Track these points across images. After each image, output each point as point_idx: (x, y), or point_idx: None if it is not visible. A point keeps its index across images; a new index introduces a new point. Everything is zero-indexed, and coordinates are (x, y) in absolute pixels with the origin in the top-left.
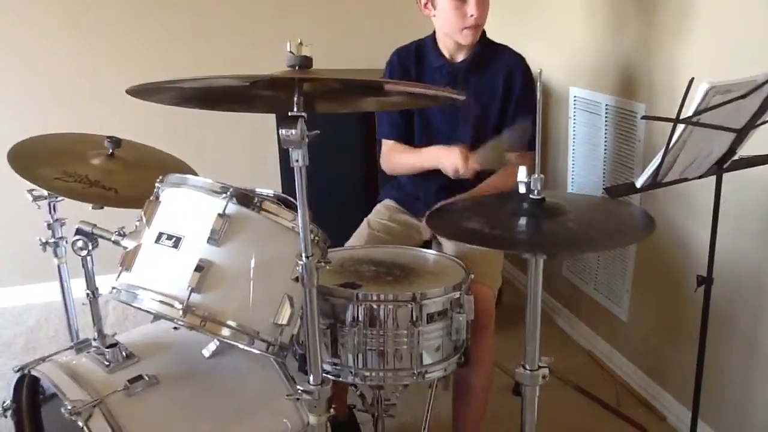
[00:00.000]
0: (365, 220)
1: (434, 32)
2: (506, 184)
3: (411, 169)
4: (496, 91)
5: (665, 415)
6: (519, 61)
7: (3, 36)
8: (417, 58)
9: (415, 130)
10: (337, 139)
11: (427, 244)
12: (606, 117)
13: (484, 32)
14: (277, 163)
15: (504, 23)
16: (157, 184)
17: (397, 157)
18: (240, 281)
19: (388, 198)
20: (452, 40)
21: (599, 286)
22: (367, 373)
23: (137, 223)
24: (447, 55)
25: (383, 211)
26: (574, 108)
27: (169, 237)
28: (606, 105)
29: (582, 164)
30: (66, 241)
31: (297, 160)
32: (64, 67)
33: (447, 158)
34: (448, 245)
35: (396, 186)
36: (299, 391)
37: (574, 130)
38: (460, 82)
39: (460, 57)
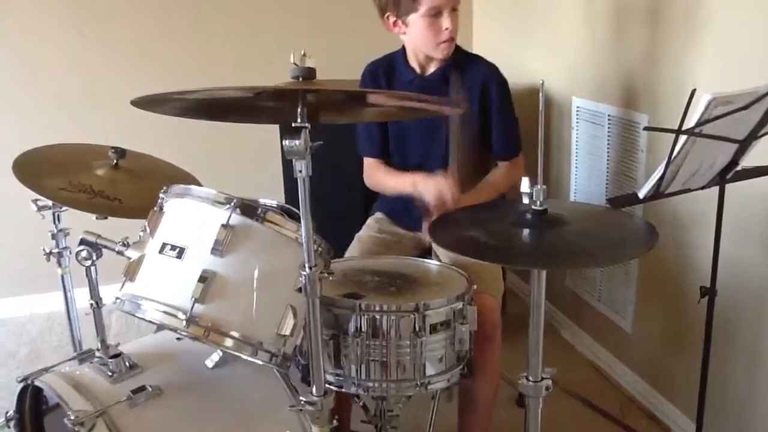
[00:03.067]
0: (356, 236)
1: (403, 47)
2: (494, 193)
3: (392, 191)
4: (473, 104)
5: (670, 427)
6: (492, 71)
7: (7, 46)
8: (388, 72)
9: (390, 145)
10: (341, 149)
11: (425, 254)
12: (609, 127)
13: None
14: (281, 174)
15: (506, 34)
16: (161, 195)
17: (378, 177)
18: (243, 292)
19: (379, 211)
20: (423, 55)
21: (603, 298)
22: (370, 384)
23: (141, 234)
24: (417, 70)
25: (374, 225)
26: (577, 118)
27: (173, 247)
28: (609, 115)
29: (585, 174)
30: (70, 251)
31: (300, 171)
32: (69, 78)
33: (428, 187)
34: (445, 255)
35: (386, 198)
36: (302, 402)
37: (576, 141)
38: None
39: (431, 69)
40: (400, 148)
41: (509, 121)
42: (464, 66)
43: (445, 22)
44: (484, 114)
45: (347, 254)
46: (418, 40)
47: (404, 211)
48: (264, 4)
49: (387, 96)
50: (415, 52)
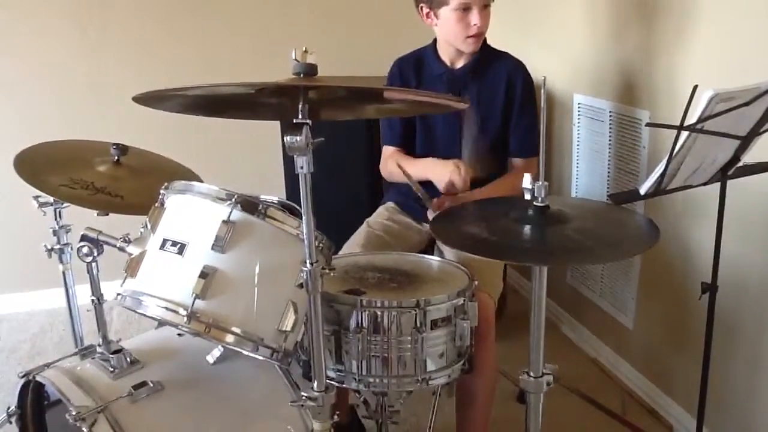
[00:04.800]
0: (366, 221)
1: (434, 40)
2: (511, 190)
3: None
4: (497, 98)
5: (670, 423)
6: (519, 67)
7: (10, 43)
8: (417, 67)
9: (416, 138)
10: (342, 146)
11: (428, 249)
12: (610, 124)
13: (484, 39)
14: (282, 170)
15: (507, 31)
16: (162, 191)
17: (393, 165)
18: (244, 288)
19: (390, 200)
20: (453, 48)
21: (604, 294)
22: (371, 380)
23: (142, 230)
24: (447, 62)
25: (384, 213)
26: (578, 115)
27: (174, 243)
28: (610, 112)
29: (586, 171)
30: (71, 248)
31: (302, 167)
32: (71, 74)
33: (440, 172)
34: (449, 250)
35: (399, 189)
36: (303, 398)
37: (578, 137)
38: (460, 89)
39: (459, 64)
40: (427, 137)
41: (530, 120)
42: (492, 61)
43: (474, 18)
44: (507, 110)
45: (354, 239)
46: (447, 33)
47: (415, 202)
48: (269, 2)
49: (396, 93)
50: (446, 45)
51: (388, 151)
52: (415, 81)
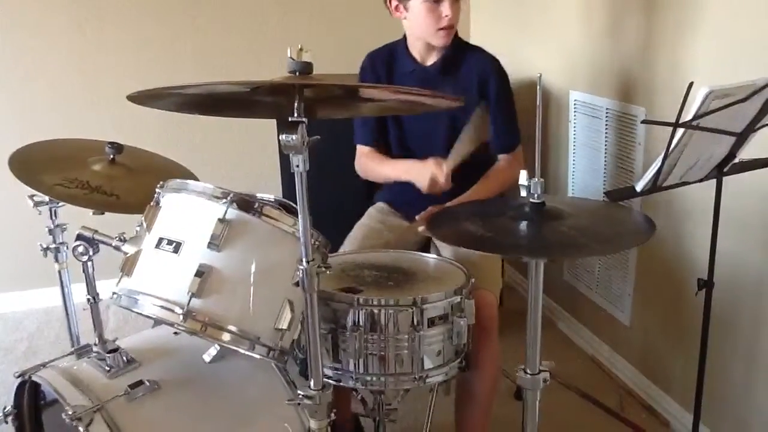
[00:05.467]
0: (357, 223)
1: (404, 36)
2: (499, 187)
3: (384, 179)
4: (471, 96)
5: (667, 419)
6: (492, 63)
7: (5, 41)
8: (388, 62)
9: (390, 136)
10: (338, 144)
11: (425, 247)
12: (606, 121)
13: (455, 32)
14: (278, 169)
15: (503, 27)
16: (157, 190)
17: (370, 165)
18: (240, 286)
19: (381, 201)
20: (423, 43)
21: (601, 290)
22: (368, 378)
23: (138, 229)
24: (418, 58)
25: (375, 214)
26: (574, 112)
27: (170, 242)
28: (606, 109)
29: (582, 168)
30: (67, 247)
31: (297, 166)
32: (66, 73)
33: (420, 173)
34: (446, 248)
35: (389, 189)
36: (300, 396)
37: (574, 134)
38: (431, 86)
39: (431, 60)
40: (399, 135)
41: (508, 114)
42: (463, 56)
43: (445, 9)
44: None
45: (346, 242)
46: (417, 26)
47: (406, 201)
48: (264, 0)
49: (386, 91)
50: (416, 40)
51: (362, 149)
52: (385, 77)
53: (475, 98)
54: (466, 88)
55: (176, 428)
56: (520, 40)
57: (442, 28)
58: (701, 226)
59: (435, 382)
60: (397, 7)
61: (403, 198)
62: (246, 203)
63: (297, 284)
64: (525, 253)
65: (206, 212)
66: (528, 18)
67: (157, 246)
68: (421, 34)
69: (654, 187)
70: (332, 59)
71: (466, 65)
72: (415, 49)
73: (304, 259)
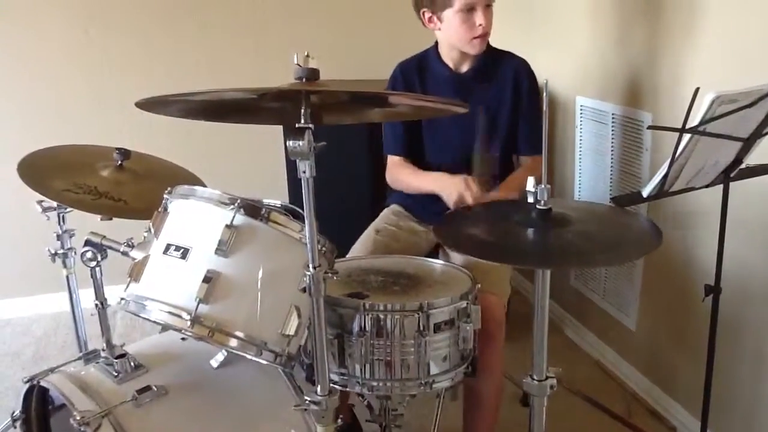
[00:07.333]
0: (371, 225)
1: (436, 44)
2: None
3: (414, 190)
4: (505, 98)
5: (674, 425)
6: (523, 66)
7: (12, 48)
8: (420, 70)
9: (424, 142)
10: (345, 150)
11: (433, 253)
12: (613, 126)
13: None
14: (285, 175)
15: (510, 33)
16: (165, 196)
17: (401, 175)
18: (248, 292)
19: (396, 203)
20: (457, 51)
21: (608, 296)
22: (375, 383)
23: (145, 234)
24: (452, 66)
25: (390, 216)
26: (581, 117)
27: (177, 248)
28: (613, 114)
29: (589, 173)
30: (75, 252)
31: (304, 171)
32: (74, 79)
33: (449, 188)
34: (456, 254)
35: (403, 192)
36: (307, 402)
37: (580, 139)
38: (467, 92)
39: (465, 67)
40: (435, 140)
41: (537, 118)
42: (496, 61)
43: (479, 18)
44: (515, 110)
45: (360, 244)
46: (452, 36)
47: (421, 204)
48: (270, 6)
49: (400, 97)
50: (450, 48)
51: (392, 159)
52: (419, 85)
53: (510, 101)
54: (501, 93)
55: None
56: (527, 46)
57: (476, 37)
58: (708, 232)
59: (441, 388)
60: (430, 19)
61: (418, 202)
62: (253, 209)
63: (304, 290)
64: (530, 262)
65: (214, 218)
66: (535, 24)
67: (165, 252)
68: (455, 44)
69: (661, 192)
70: (339, 65)
71: (499, 70)
72: (449, 57)
73: (310, 265)
